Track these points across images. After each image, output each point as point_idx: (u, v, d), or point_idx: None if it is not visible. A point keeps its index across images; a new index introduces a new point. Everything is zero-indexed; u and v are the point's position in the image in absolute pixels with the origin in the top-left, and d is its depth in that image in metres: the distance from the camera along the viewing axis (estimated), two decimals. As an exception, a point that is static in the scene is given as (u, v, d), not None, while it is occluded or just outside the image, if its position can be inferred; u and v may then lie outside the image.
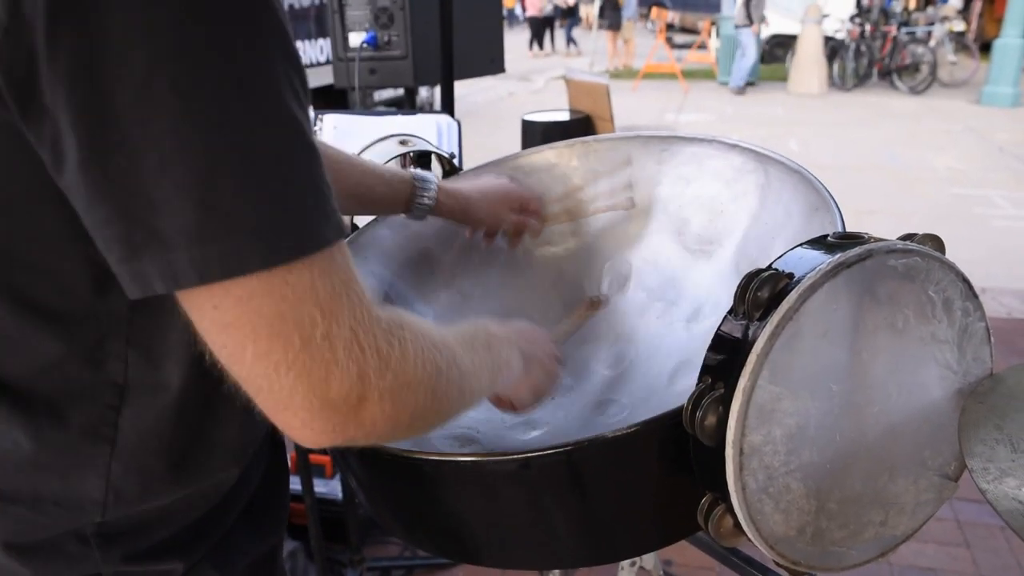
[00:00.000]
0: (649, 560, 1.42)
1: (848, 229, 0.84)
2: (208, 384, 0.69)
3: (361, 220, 1.39)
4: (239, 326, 0.55)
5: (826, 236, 0.76)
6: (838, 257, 0.69)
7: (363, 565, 2.35)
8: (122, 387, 0.68)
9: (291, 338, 0.55)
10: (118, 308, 0.65)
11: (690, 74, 14.84)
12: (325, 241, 0.57)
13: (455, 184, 1.30)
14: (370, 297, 0.61)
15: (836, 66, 13.04)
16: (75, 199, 0.55)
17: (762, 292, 0.70)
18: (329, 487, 2.43)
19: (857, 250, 0.70)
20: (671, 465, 0.81)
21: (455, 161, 1.43)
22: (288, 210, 0.55)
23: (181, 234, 0.52)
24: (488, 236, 1.35)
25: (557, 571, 1.34)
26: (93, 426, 0.68)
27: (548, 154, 1.40)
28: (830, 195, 1.03)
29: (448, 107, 2.15)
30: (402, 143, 1.37)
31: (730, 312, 0.73)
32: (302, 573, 2.25)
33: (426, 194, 1.23)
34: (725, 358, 0.71)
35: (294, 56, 0.58)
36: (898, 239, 0.76)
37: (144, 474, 0.71)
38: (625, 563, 1.39)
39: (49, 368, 0.66)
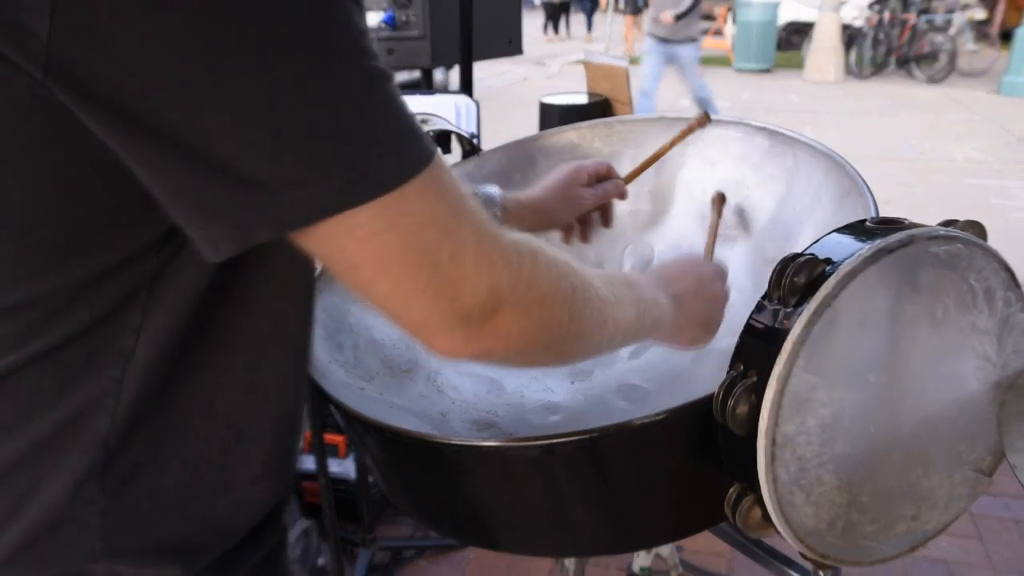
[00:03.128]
0: (665, 547, 1.40)
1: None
2: (190, 357, 0.68)
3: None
4: (368, 265, 0.56)
5: (864, 221, 0.74)
6: (879, 243, 0.67)
7: (375, 545, 2.35)
8: (128, 359, 0.66)
9: (420, 266, 0.56)
10: (144, 276, 0.63)
11: (705, 60, 14.67)
12: (427, 157, 0.56)
13: (519, 193, 1.21)
14: (487, 213, 0.61)
15: (853, 54, 12.87)
16: (152, 169, 0.54)
17: (799, 277, 0.68)
18: (343, 467, 2.43)
19: (898, 236, 0.68)
20: (698, 453, 0.79)
21: (475, 141, 1.41)
22: (388, 134, 0.54)
23: (286, 175, 0.52)
24: (579, 225, 1.24)
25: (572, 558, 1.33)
26: (96, 399, 0.66)
27: (570, 135, 1.38)
28: (863, 180, 1.01)
29: (467, 88, 2.12)
30: (422, 122, 1.35)
31: (764, 297, 0.71)
32: (315, 552, 2.25)
33: (490, 211, 1.11)
34: (758, 345, 0.69)
35: None
36: (939, 225, 0.73)
37: (142, 452, 0.69)
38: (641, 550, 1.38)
39: (74, 337, 0.64)
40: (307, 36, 0.52)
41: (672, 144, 1.22)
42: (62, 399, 0.65)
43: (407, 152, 0.55)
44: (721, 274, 1.02)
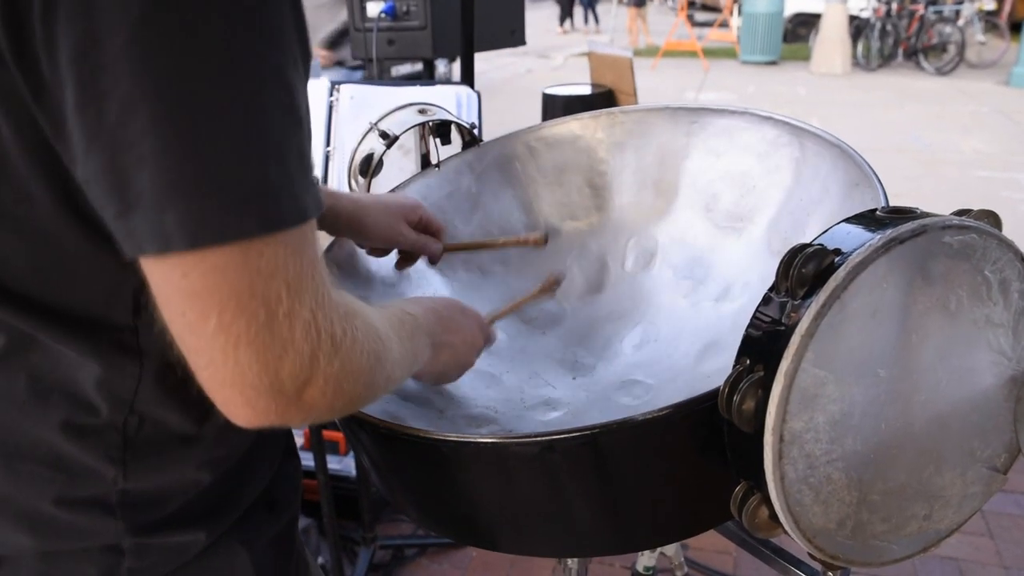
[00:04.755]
0: (670, 546, 1.38)
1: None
2: None
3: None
4: (206, 296, 0.54)
5: (874, 210, 0.72)
6: (890, 232, 0.65)
7: (375, 543, 2.34)
8: (139, 351, 0.68)
9: (256, 313, 0.55)
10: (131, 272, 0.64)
11: (711, 52, 14.65)
12: (306, 215, 0.57)
13: (349, 193, 1.19)
14: (330, 282, 0.61)
15: (860, 45, 12.80)
16: (72, 153, 0.54)
17: (807, 268, 0.65)
18: (343, 464, 2.42)
19: (910, 225, 0.66)
20: (702, 451, 0.77)
21: (475, 132, 1.38)
22: (280, 177, 0.55)
23: (173, 192, 0.52)
24: (377, 252, 1.22)
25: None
26: (113, 384, 0.68)
27: (572, 125, 1.36)
28: (872, 170, 0.98)
29: (468, 79, 2.09)
30: (421, 112, 1.32)
31: (771, 289, 0.68)
32: (314, 550, 2.24)
33: None
34: (765, 338, 0.67)
35: (302, 23, 0.58)
36: (952, 214, 0.71)
37: (161, 434, 0.72)
38: (645, 549, 1.35)
39: (78, 324, 0.66)
40: (244, 62, 0.53)
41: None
42: (80, 383, 0.67)
43: (287, 204, 0.56)
44: (486, 344, 1.04)
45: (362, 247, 1.22)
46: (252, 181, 0.54)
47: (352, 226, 1.15)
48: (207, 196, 0.52)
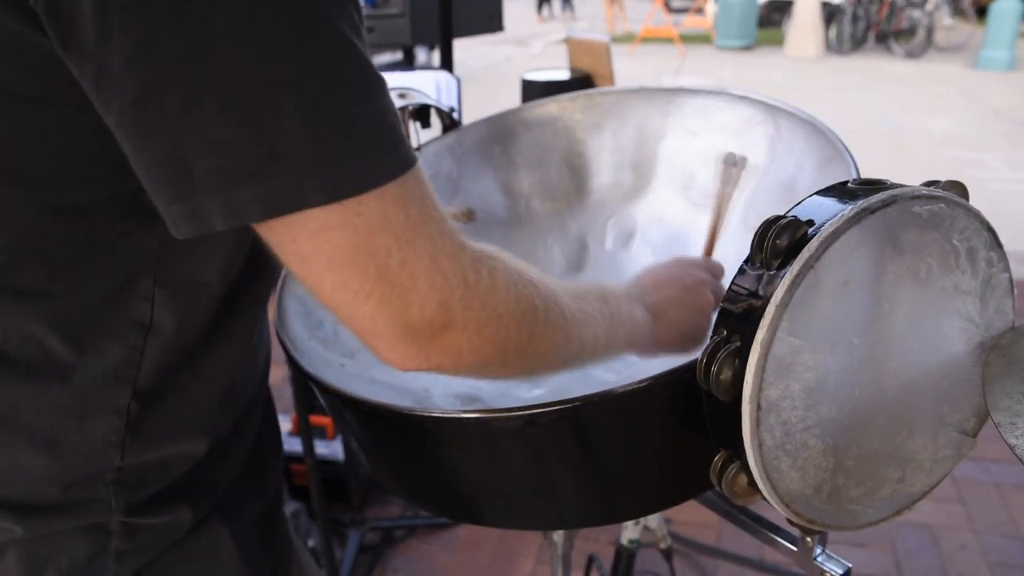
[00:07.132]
0: (654, 519, 1.40)
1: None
2: (216, 327, 0.71)
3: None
4: (316, 258, 0.56)
5: (846, 183, 0.73)
6: (861, 203, 0.67)
7: (365, 526, 2.35)
8: (147, 328, 0.68)
9: (367, 268, 0.56)
10: (149, 246, 0.65)
11: (687, 38, 14.68)
12: (390, 173, 0.56)
13: None
14: (454, 227, 0.61)
15: (833, 30, 12.90)
16: (125, 137, 0.54)
17: (781, 240, 0.67)
18: (331, 448, 2.43)
19: (880, 196, 0.67)
20: (682, 421, 0.79)
21: (455, 115, 1.39)
22: (351, 144, 0.54)
23: (243, 170, 0.52)
24: None
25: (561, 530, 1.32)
26: (116, 367, 0.68)
27: (551, 107, 1.37)
28: (844, 146, 1.00)
29: (447, 64, 2.10)
30: (401, 96, 1.33)
31: (746, 261, 0.70)
32: (304, 534, 2.25)
33: None
34: (741, 309, 0.68)
35: None
36: (921, 185, 0.73)
37: (161, 415, 0.71)
38: (629, 522, 1.37)
39: (86, 308, 0.65)
40: (302, 37, 0.52)
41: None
42: (80, 366, 0.66)
43: (376, 161, 0.56)
44: (713, 276, 0.96)
45: None
46: (334, 148, 0.54)
47: None
48: (285, 168, 0.53)
